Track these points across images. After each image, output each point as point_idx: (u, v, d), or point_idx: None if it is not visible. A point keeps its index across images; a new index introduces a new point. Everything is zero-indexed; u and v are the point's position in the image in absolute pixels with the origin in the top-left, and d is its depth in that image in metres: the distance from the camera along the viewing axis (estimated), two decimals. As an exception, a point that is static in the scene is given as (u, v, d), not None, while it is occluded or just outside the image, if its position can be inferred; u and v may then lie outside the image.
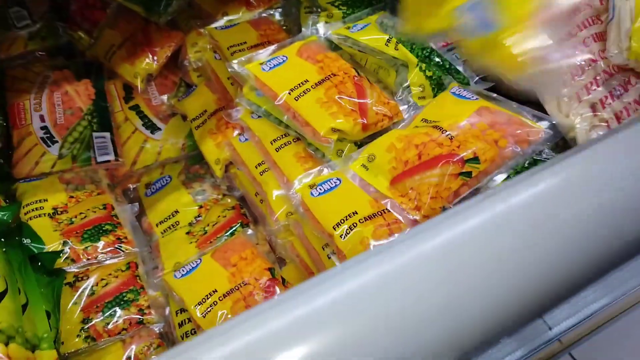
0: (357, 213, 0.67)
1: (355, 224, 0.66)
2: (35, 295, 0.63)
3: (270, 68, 0.81)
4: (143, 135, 1.03)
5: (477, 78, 0.87)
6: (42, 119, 0.97)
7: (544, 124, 0.72)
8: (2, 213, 0.66)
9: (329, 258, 0.73)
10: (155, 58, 1.04)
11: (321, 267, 0.75)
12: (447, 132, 0.69)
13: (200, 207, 0.96)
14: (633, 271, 0.86)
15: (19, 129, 0.96)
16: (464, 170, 0.66)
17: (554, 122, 0.73)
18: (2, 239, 0.66)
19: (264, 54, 0.86)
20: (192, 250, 0.89)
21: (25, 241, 0.73)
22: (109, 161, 0.96)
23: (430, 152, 0.67)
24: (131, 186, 1.04)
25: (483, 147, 0.67)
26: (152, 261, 0.89)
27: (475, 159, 0.66)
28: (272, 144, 0.83)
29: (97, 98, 1.01)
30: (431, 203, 0.66)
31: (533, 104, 0.90)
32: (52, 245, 0.78)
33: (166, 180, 1.02)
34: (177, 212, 0.96)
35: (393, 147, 0.70)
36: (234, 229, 0.90)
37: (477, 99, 0.74)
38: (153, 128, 1.04)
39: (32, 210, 0.83)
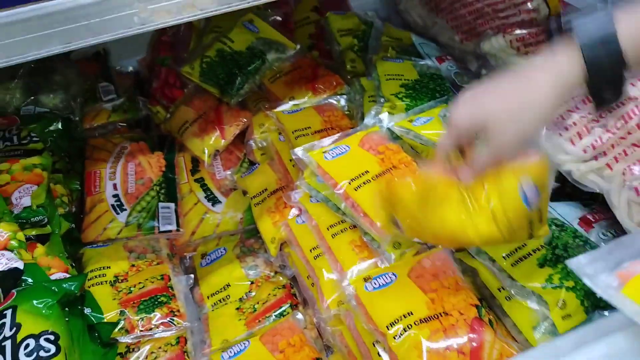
0: (412, 314, 0.65)
1: (410, 326, 0.64)
2: (90, 368, 0.65)
3: (333, 157, 0.83)
4: (204, 207, 1.08)
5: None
6: (115, 187, 1.03)
7: None
8: (70, 283, 0.69)
9: (379, 356, 0.70)
10: (223, 135, 1.11)
11: (370, 364, 0.72)
12: None
13: (252, 282, 0.97)
14: None
15: (92, 195, 1.03)
16: None
17: None
18: (67, 308, 0.68)
19: (326, 141, 0.89)
20: (241, 328, 0.88)
21: (86, 310, 0.75)
22: (170, 231, 1.00)
23: None
24: (187, 255, 1.07)
25: None
26: (201, 334, 0.89)
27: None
28: (328, 229, 0.84)
29: (166, 170, 1.07)
30: None
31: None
32: (110, 314, 0.80)
33: (221, 252, 1.05)
34: (228, 285, 0.97)
35: None
36: (283, 309, 0.90)
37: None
38: (214, 201, 1.09)
39: (95, 277, 0.87)
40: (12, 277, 0.68)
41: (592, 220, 0.84)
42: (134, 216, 1.00)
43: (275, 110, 1.07)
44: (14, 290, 0.66)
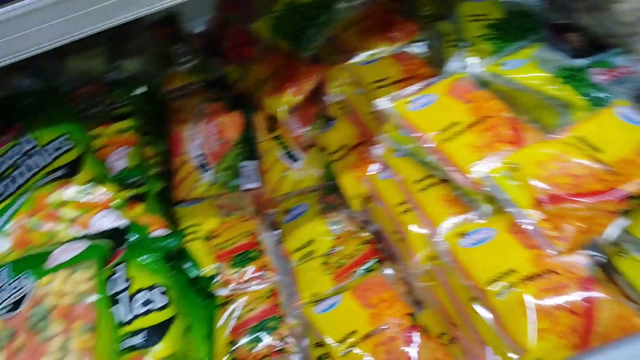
0: (515, 271, 0.62)
1: (513, 283, 0.61)
2: (197, 319, 0.68)
3: (418, 107, 0.80)
4: (284, 164, 1.08)
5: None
6: (198, 147, 1.06)
7: None
8: (171, 240, 0.73)
9: (476, 312, 0.69)
10: (298, 91, 1.09)
11: (467, 321, 0.71)
12: (610, 167, 0.62)
13: (337, 238, 0.98)
14: None
15: (178, 156, 1.06)
16: (624, 208, 0.59)
17: None
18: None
19: (409, 91, 0.85)
20: (329, 282, 0.90)
21: (185, 265, 0.79)
22: (253, 189, 1.02)
23: (588, 186, 0.62)
24: (270, 212, 1.09)
25: None
26: (291, 287, 0.92)
27: None
28: (415, 184, 0.81)
29: (246, 129, 1.08)
30: (579, 237, 0.61)
31: None
32: (207, 269, 0.84)
33: (304, 208, 1.06)
34: (312, 240, 0.99)
35: (546, 164, 0.65)
36: (369, 264, 0.90)
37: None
38: (294, 158, 1.09)
39: (189, 233, 0.91)
40: (119, 234, 0.72)
41: None
42: (218, 175, 1.02)
43: (351, 62, 1.04)
44: (122, 247, 0.71)
